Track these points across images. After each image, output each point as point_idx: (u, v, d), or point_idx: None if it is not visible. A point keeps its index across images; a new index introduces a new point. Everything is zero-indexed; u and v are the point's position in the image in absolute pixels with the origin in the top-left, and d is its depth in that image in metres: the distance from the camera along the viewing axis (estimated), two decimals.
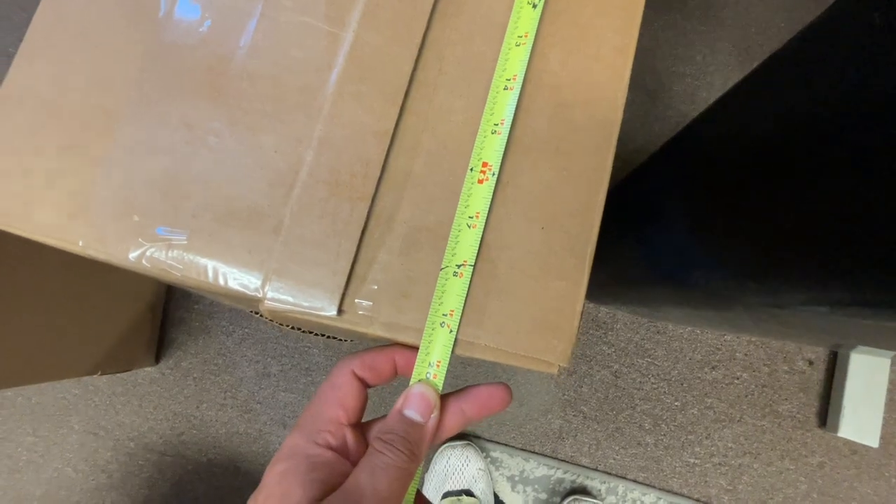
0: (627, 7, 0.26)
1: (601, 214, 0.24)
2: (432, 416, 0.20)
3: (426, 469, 0.70)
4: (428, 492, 0.68)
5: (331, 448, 0.19)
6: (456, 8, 0.25)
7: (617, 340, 0.75)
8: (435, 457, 0.69)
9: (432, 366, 0.20)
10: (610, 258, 0.62)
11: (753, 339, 0.76)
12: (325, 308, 0.22)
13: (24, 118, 0.22)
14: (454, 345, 0.21)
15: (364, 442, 0.20)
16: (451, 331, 0.20)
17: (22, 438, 0.70)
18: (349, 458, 0.19)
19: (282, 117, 0.23)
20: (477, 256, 0.22)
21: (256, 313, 0.40)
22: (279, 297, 0.22)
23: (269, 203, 0.22)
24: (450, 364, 0.21)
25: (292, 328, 0.44)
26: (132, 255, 0.21)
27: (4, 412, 0.71)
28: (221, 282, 0.22)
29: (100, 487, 0.70)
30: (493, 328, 0.22)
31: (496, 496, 0.70)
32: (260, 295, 0.22)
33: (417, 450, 0.19)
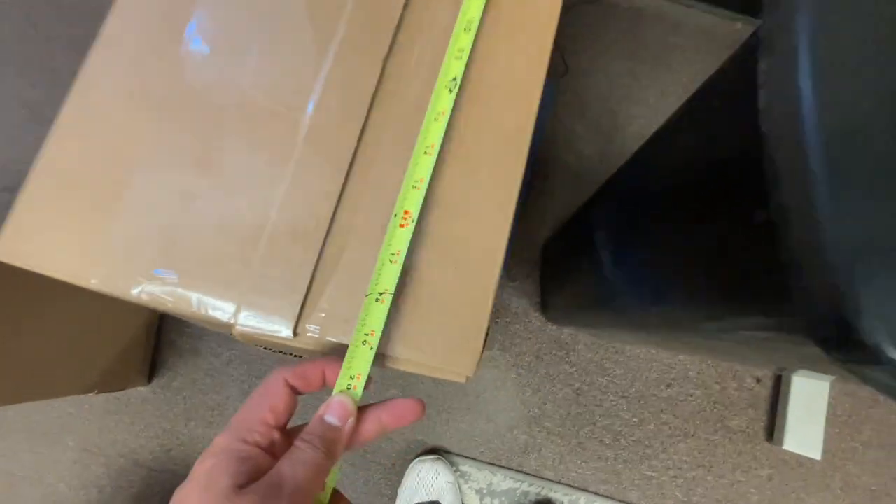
0: (528, 92, 0.33)
1: (502, 258, 0.31)
2: (349, 421, 0.23)
3: (398, 483, 0.74)
4: None
5: (258, 446, 0.21)
6: (391, 97, 0.32)
7: (578, 360, 0.81)
8: (407, 471, 0.74)
9: (353, 378, 0.25)
10: (567, 285, 0.69)
11: (706, 359, 0.82)
12: (282, 331, 0.28)
13: (54, 186, 0.29)
14: (374, 360, 0.27)
15: (289, 444, 0.22)
16: (371, 348, 0.26)
17: (20, 455, 0.75)
18: (275, 456, 0.21)
19: (253, 183, 0.30)
20: (398, 286, 0.28)
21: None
22: (248, 323, 0.28)
23: (241, 250, 0.29)
24: (370, 375, 0.26)
25: (265, 348, 0.50)
26: (134, 291, 0.28)
27: (3, 429, 0.75)
28: (203, 311, 0.28)
29: (91, 502, 0.74)
30: (412, 346, 0.28)
31: None
32: (233, 321, 0.28)
33: (334, 449, 0.22)
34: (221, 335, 0.79)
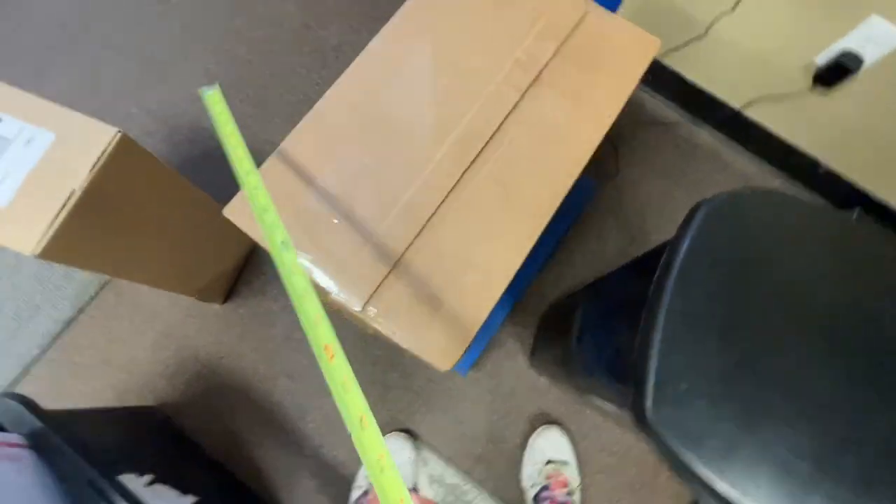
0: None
1: (501, 291, 0.50)
2: None
3: None
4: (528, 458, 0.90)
5: None
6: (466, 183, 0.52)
7: (545, 405, 0.98)
8: None
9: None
10: (551, 343, 0.87)
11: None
12: (353, 303, 0.49)
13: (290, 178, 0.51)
14: (378, 324, 0.47)
15: None
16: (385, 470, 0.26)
17: (119, 320, 1.01)
18: None
19: (384, 202, 0.51)
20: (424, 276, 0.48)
21: None
22: (329, 288, 0.49)
23: (357, 239, 0.50)
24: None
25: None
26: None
27: (116, 298, 1.02)
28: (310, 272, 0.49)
29: (153, 374, 0.99)
30: (415, 328, 0.48)
31: (415, 486, 0.93)
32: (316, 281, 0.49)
33: None
34: (281, 288, 1.03)
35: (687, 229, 0.42)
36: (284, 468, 0.94)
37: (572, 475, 0.90)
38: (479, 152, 0.53)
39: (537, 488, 0.87)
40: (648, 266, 0.56)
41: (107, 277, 1.03)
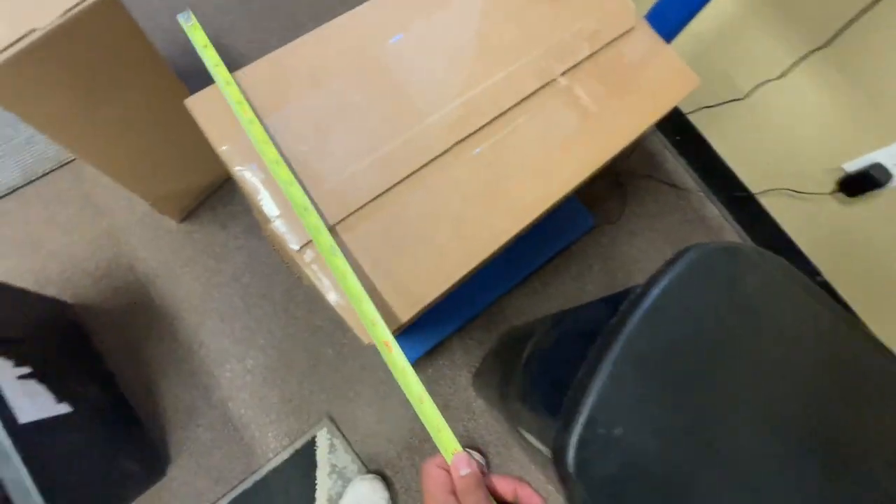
0: None
1: (460, 276, 0.45)
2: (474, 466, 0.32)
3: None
4: None
5: None
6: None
7: (473, 427, 0.92)
8: (348, 487, 0.84)
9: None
10: (497, 366, 0.81)
11: None
12: (291, 240, 0.43)
13: (277, 68, 0.46)
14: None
15: None
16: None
17: (64, 207, 0.94)
18: None
19: (372, 141, 0.46)
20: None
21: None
22: (280, 229, 0.43)
23: (320, 177, 0.45)
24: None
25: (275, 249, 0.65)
26: (237, 168, 0.44)
27: (76, 188, 0.95)
28: (260, 201, 0.44)
29: (81, 271, 0.92)
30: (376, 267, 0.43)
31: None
32: (271, 220, 0.44)
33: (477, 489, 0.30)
34: (246, 226, 0.96)
35: (670, 268, 0.38)
36: (184, 408, 0.87)
37: None
38: (478, 129, 0.49)
39: None
40: (618, 304, 0.51)
41: (69, 157, 0.97)
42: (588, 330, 0.52)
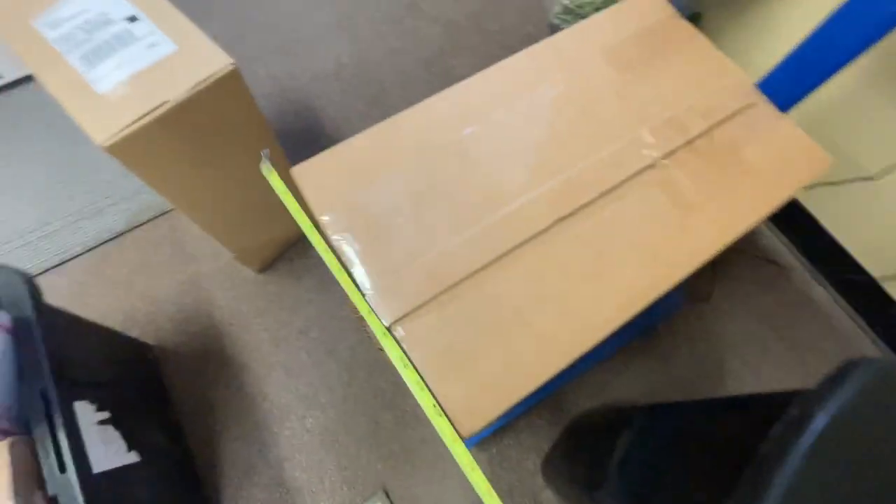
0: None
1: (553, 372, 0.40)
2: None
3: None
4: None
5: None
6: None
7: None
8: None
9: None
10: (574, 454, 0.73)
11: None
12: (383, 315, 0.41)
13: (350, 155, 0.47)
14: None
15: None
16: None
17: (157, 252, 1.00)
18: None
19: (448, 228, 0.44)
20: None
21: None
22: (367, 292, 0.41)
23: (404, 260, 0.43)
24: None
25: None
26: (334, 238, 0.43)
27: (170, 236, 1.02)
28: (352, 269, 0.42)
29: (165, 314, 0.96)
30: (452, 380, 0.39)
31: None
32: (363, 291, 0.42)
33: None
34: (319, 279, 0.97)
35: (838, 388, 0.31)
36: (241, 464, 0.85)
37: None
38: (582, 206, 0.45)
39: None
40: (746, 410, 0.44)
41: (168, 208, 1.04)
42: (706, 440, 0.44)
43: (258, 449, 0.86)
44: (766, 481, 0.28)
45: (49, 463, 0.49)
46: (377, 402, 0.90)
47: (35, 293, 0.57)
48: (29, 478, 0.48)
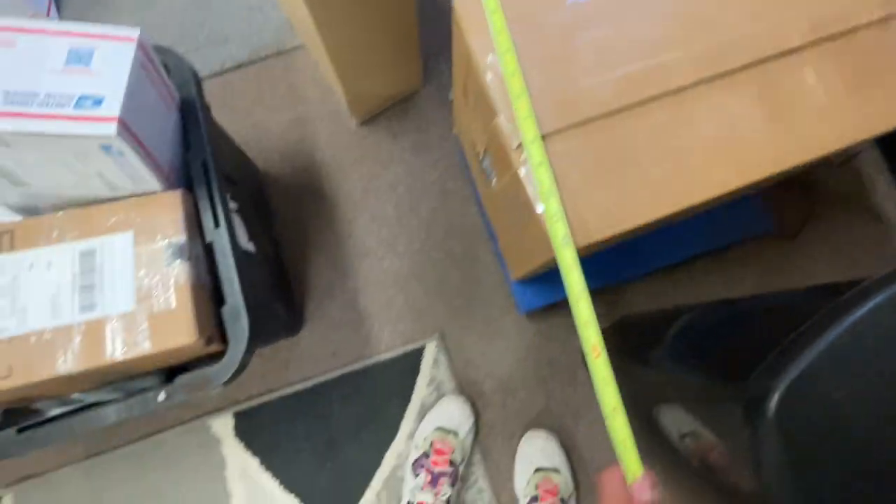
0: None
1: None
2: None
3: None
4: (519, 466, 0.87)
5: None
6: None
7: (571, 394, 0.91)
8: (440, 401, 0.91)
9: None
10: (634, 338, 0.79)
11: None
12: (512, 138, 0.45)
13: None
14: None
15: None
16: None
17: (272, 89, 1.08)
18: None
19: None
20: None
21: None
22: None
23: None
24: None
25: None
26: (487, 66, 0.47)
27: (284, 75, 1.08)
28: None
29: (273, 147, 1.05)
30: None
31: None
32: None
33: None
34: (413, 143, 1.03)
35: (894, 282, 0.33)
36: (324, 285, 0.98)
37: (565, 482, 0.84)
38: (726, 73, 0.46)
39: (527, 499, 0.82)
40: (813, 295, 0.47)
41: (285, 47, 1.10)
42: (771, 318, 0.48)
43: (340, 276, 0.99)
44: (812, 338, 0.32)
45: (207, 218, 0.61)
46: (448, 261, 0.99)
47: (197, 78, 0.66)
48: (193, 223, 0.60)
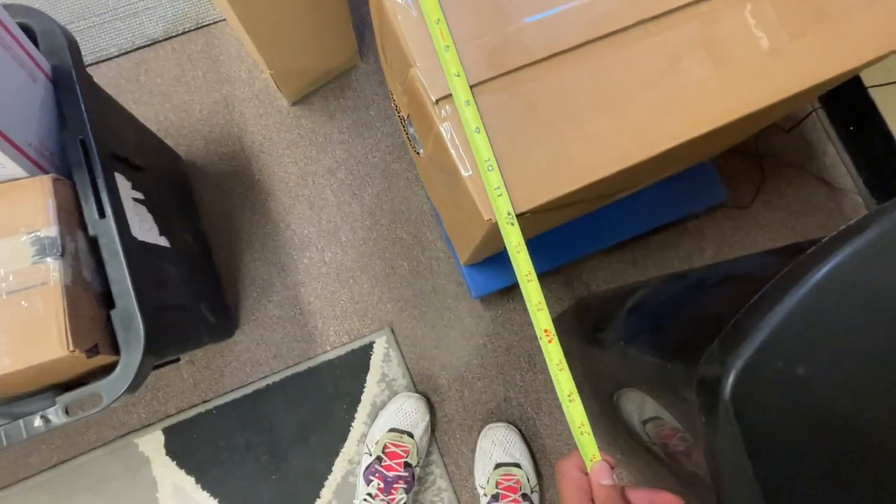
0: None
1: None
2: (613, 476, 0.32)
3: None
4: (478, 463, 0.82)
5: None
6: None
7: (531, 381, 0.87)
8: (393, 399, 0.84)
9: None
10: (590, 319, 0.75)
11: None
12: (433, 89, 0.39)
13: None
14: None
15: None
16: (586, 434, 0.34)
17: (193, 67, 0.97)
18: None
19: None
20: None
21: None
22: (422, 76, 0.39)
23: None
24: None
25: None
26: None
27: (206, 51, 0.98)
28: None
29: (197, 131, 0.95)
30: None
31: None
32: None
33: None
34: (353, 122, 0.95)
35: (858, 232, 0.28)
36: (260, 282, 0.90)
37: (526, 476, 0.79)
38: (668, 12, 0.40)
39: (487, 498, 0.77)
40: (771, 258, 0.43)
41: (204, 21, 0.99)
42: (741, 275, 0.44)
43: (277, 271, 0.90)
44: (768, 308, 0.27)
45: (89, 207, 0.51)
46: (396, 250, 0.92)
47: (73, 44, 0.56)
48: (70, 216, 0.51)
